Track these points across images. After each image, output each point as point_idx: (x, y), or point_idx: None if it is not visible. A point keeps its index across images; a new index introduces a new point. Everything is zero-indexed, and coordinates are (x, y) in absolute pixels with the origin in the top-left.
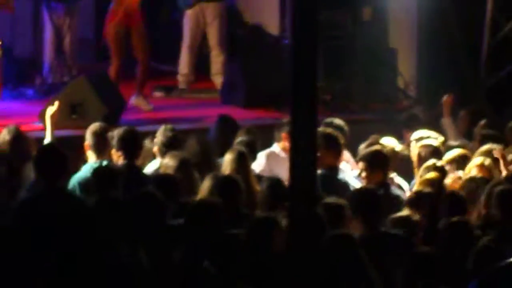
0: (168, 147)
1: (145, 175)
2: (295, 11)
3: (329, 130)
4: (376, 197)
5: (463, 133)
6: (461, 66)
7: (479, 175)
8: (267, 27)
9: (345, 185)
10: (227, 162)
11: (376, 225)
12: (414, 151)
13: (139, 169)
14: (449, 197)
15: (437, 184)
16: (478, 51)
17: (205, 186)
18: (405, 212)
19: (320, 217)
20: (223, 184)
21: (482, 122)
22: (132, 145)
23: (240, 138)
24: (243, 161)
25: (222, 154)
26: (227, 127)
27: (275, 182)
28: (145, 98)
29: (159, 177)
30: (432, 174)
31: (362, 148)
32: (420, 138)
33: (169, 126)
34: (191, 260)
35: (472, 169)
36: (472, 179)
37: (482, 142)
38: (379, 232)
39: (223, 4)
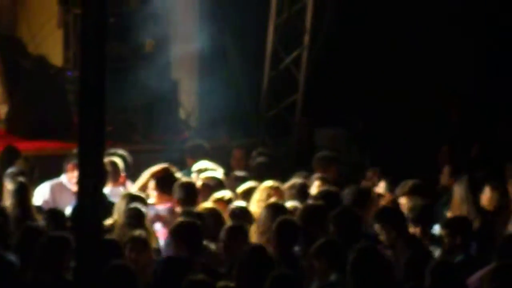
0: None
1: None
2: (83, 44)
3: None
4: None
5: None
6: (242, 98)
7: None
8: (50, 59)
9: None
10: (7, 192)
11: None
12: (198, 182)
13: None
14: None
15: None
16: (259, 84)
17: None
18: None
19: (110, 243)
20: None
21: (256, 152)
22: None
23: (17, 168)
24: (24, 192)
25: None
26: (10, 157)
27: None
28: None
29: None
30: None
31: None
32: (205, 169)
33: None
34: None
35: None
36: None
37: (259, 172)
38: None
39: None
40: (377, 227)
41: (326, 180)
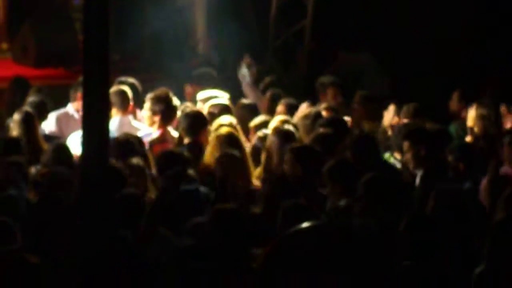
0: None
1: None
2: None
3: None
4: None
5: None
6: (249, 27)
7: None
8: None
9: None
10: (14, 123)
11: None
12: (204, 110)
13: None
14: None
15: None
16: (266, 13)
17: None
18: None
19: (118, 172)
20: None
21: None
22: None
23: (30, 98)
24: (30, 122)
25: (12, 115)
26: (18, 88)
27: (59, 146)
28: None
29: None
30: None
31: (148, 97)
32: (209, 98)
33: None
34: None
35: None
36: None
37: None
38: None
39: None
40: (405, 145)
41: (332, 109)
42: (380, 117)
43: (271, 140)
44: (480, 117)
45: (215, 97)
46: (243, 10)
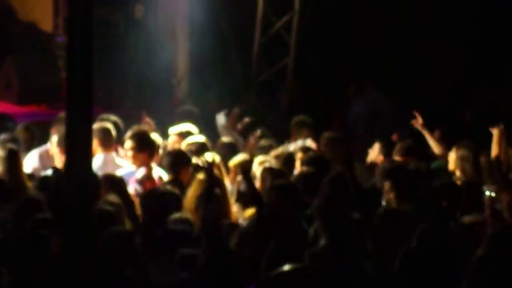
0: None
1: None
2: (70, 9)
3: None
4: None
5: (233, 129)
6: (232, 65)
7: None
8: (40, 25)
9: None
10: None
11: None
12: (181, 146)
13: None
14: None
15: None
16: (249, 50)
17: None
18: None
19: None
20: None
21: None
22: None
23: (7, 135)
24: (14, 159)
25: None
26: (3, 124)
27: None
28: None
29: None
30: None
31: (127, 137)
32: (187, 133)
33: None
34: None
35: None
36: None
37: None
38: None
39: None
40: (386, 184)
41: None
42: (348, 159)
43: (263, 178)
44: (460, 159)
45: (188, 131)
46: (226, 49)
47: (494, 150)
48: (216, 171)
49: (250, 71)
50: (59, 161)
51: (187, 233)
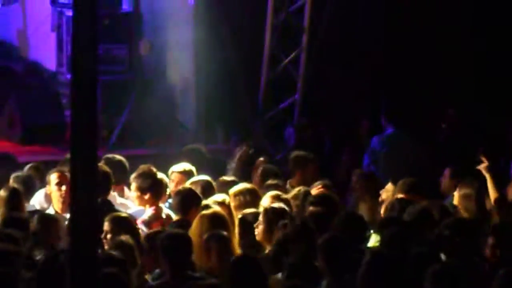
0: None
1: None
2: (74, 46)
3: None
4: None
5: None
6: (240, 100)
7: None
8: (44, 62)
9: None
10: (1, 199)
11: None
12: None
13: None
14: None
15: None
16: (257, 86)
17: None
18: None
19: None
20: None
21: (262, 158)
22: None
23: (16, 174)
24: (17, 198)
25: None
26: (6, 164)
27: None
28: None
29: None
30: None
31: (133, 177)
32: (190, 171)
33: None
34: None
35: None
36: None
37: (264, 178)
38: None
39: None
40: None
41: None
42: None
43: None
44: (463, 197)
45: (189, 170)
46: (234, 86)
47: (492, 193)
48: (225, 210)
49: (258, 107)
50: (56, 200)
51: None
